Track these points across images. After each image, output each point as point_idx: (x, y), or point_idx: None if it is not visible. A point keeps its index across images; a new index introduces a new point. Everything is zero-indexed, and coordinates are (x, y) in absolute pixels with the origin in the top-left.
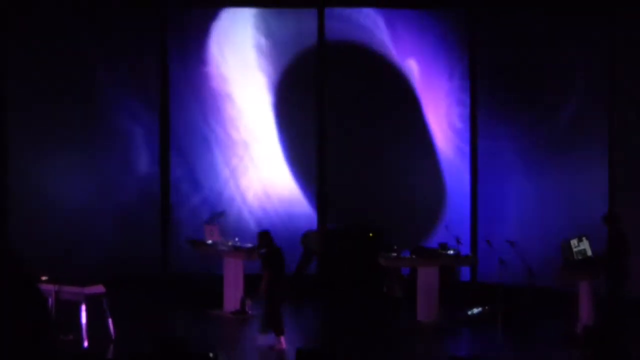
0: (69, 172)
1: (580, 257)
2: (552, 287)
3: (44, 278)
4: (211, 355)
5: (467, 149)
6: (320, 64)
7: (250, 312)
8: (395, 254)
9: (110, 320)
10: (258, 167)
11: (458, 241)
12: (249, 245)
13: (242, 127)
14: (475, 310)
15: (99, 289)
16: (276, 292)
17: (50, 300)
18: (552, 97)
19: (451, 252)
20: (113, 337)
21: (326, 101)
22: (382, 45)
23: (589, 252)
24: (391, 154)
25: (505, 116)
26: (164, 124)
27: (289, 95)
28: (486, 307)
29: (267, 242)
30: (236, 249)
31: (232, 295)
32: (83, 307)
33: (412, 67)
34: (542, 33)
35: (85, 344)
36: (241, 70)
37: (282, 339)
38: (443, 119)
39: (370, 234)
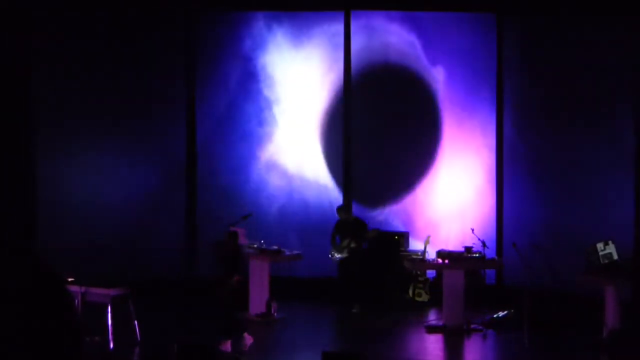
0: (95, 173)
1: (606, 261)
2: (578, 292)
3: (70, 279)
4: (237, 356)
5: (493, 149)
6: (347, 67)
7: (276, 314)
8: (420, 257)
9: (136, 323)
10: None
11: (484, 244)
12: (275, 247)
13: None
14: (501, 314)
15: (125, 290)
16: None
17: (76, 301)
18: (580, 102)
19: (477, 255)
20: (139, 340)
21: (350, 112)
22: (407, 51)
23: (615, 256)
24: (413, 155)
25: (531, 118)
26: (190, 125)
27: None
28: (512, 311)
29: (235, 242)
30: (262, 251)
31: (258, 298)
32: (109, 309)
33: (438, 75)
34: (574, 39)
35: (111, 346)
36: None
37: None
38: (468, 122)
39: (395, 237)
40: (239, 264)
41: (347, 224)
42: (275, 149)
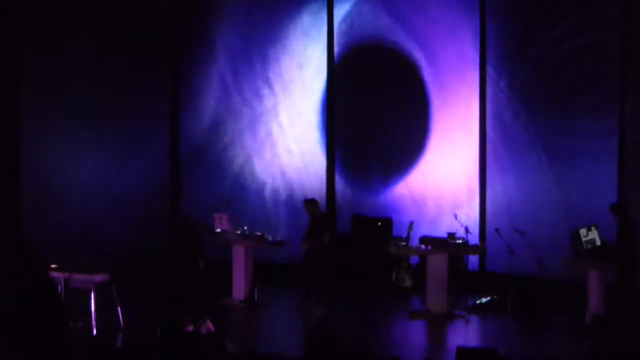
0: (79, 159)
1: (589, 247)
2: (562, 277)
3: (53, 266)
4: (224, 344)
5: (477, 133)
6: (330, 51)
7: (259, 299)
8: (404, 243)
9: (119, 308)
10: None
11: (467, 230)
12: (258, 233)
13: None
14: (484, 300)
15: (109, 276)
16: None
17: (59, 287)
18: (565, 83)
19: (460, 241)
20: (122, 326)
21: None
22: (390, 33)
23: (598, 242)
24: (396, 137)
25: (515, 101)
26: (174, 109)
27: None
28: (495, 297)
29: (190, 226)
30: (245, 237)
31: (241, 283)
32: (92, 295)
33: (421, 54)
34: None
35: (94, 331)
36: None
37: None
38: (451, 104)
39: (379, 223)
40: (199, 248)
41: (313, 220)
42: (263, 134)
